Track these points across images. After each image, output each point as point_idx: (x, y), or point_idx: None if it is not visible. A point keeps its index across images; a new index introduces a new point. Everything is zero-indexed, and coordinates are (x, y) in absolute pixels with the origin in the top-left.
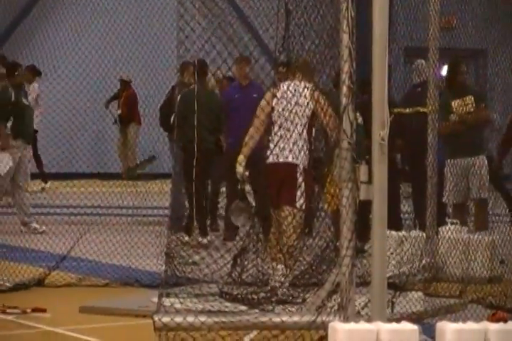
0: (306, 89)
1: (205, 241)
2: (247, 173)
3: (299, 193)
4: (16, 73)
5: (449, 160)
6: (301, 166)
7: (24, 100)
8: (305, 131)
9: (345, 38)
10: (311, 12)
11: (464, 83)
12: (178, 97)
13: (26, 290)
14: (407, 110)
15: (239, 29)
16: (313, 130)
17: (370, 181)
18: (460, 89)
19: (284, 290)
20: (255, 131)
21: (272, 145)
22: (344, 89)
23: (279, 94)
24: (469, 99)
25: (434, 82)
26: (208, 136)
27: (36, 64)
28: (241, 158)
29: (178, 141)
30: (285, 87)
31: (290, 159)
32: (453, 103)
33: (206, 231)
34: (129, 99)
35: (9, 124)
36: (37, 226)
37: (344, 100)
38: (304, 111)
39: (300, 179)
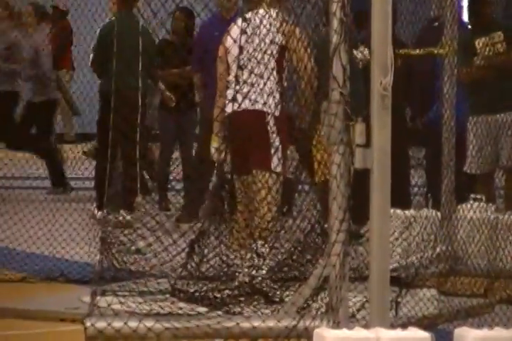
0: (270, 19)
1: (128, 217)
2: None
3: (272, 150)
4: None
5: (471, 117)
6: (271, 114)
7: None
8: (273, 73)
9: None
10: None
11: (491, 16)
12: (97, 31)
13: None
14: (418, 51)
15: None
16: (285, 71)
17: (368, 144)
18: (486, 23)
19: (256, 286)
20: (223, 97)
21: (229, 92)
22: (335, 23)
23: (249, 30)
24: (498, 36)
25: (453, 14)
26: (135, 83)
27: None
28: (214, 138)
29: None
30: (257, 20)
31: (256, 106)
32: (477, 42)
33: (131, 207)
34: (62, 36)
35: None
36: None
37: (335, 38)
38: (269, 46)
39: (272, 131)
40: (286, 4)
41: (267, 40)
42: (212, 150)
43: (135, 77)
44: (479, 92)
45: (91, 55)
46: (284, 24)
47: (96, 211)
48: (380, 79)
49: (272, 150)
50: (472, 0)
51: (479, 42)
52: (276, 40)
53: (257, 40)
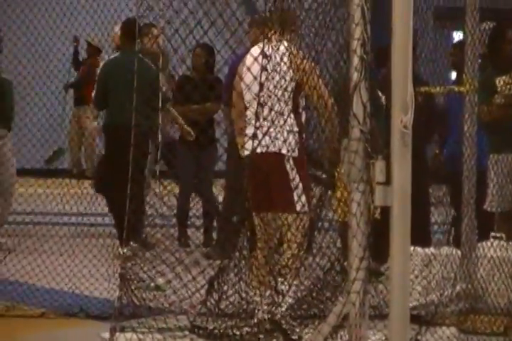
0: (284, 52)
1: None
2: None
3: (295, 192)
4: None
5: (493, 156)
6: (290, 156)
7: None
8: (288, 110)
9: None
10: None
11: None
12: (100, 67)
13: None
14: (438, 89)
15: None
16: (300, 109)
17: (388, 182)
18: (506, 62)
19: (276, 323)
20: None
21: (260, 135)
22: (355, 60)
23: (248, 62)
24: None
25: (472, 53)
26: (140, 119)
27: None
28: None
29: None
30: (255, 52)
31: (272, 148)
32: (498, 80)
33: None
34: (90, 72)
35: None
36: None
37: (355, 75)
38: (284, 82)
39: (292, 173)
40: (306, 40)
41: (286, 78)
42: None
43: (138, 113)
44: (500, 131)
45: (93, 91)
46: (303, 61)
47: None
48: (400, 117)
49: (295, 192)
50: (493, 38)
51: (500, 81)
52: (291, 75)
53: (276, 78)
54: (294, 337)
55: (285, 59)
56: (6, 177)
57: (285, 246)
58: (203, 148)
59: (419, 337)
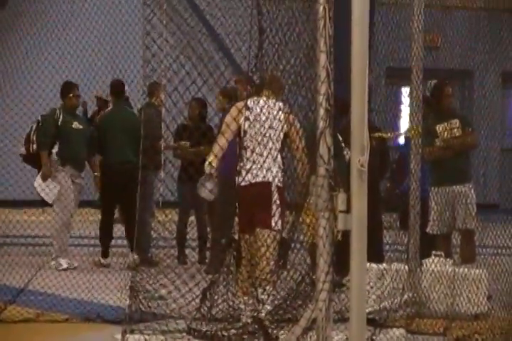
0: (280, 112)
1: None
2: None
3: (274, 212)
4: (71, 94)
5: (433, 188)
6: (275, 184)
7: (75, 123)
8: (279, 155)
9: (323, 57)
10: (287, 30)
11: (450, 106)
12: (97, 121)
13: None
14: (389, 134)
15: (209, 48)
16: (284, 152)
17: (348, 210)
18: (445, 112)
19: (256, 326)
20: (220, 150)
21: (243, 172)
22: (321, 111)
23: (251, 117)
24: (455, 123)
25: (417, 104)
26: (132, 157)
27: None
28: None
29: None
30: (258, 109)
31: (261, 178)
32: (438, 127)
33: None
34: None
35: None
36: (62, 262)
37: (321, 123)
38: (278, 134)
39: (275, 197)
40: (283, 97)
41: (276, 128)
42: (206, 165)
43: (131, 154)
44: (439, 168)
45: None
46: (287, 115)
47: (102, 259)
48: (358, 157)
49: (273, 212)
50: (434, 92)
51: (439, 127)
52: (281, 127)
53: (267, 127)
54: (272, 337)
55: (279, 114)
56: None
57: (264, 262)
58: (197, 183)
59: (374, 337)
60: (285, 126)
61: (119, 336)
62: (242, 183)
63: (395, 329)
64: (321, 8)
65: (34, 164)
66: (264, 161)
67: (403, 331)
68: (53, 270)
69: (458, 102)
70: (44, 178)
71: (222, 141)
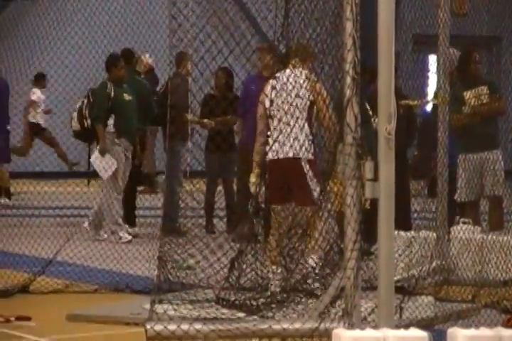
0: (306, 80)
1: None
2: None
3: (312, 188)
4: (118, 66)
5: (461, 155)
6: (305, 158)
7: (125, 95)
8: (306, 124)
9: (349, 25)
10: None
11: (477, 73)
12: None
13: (10, 297)
14: (416, 102)
15: (235, 17)
16: (313, 121)
17: (376, 178)
18: (473, 79)
19: (285, 295)
20: (262, 136)
21: (271, 141)
22: (348, 80)
23: (278, 86)
24: (482, 89)
25: (444, 71)
26: (141, 124)
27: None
28: (254, 175)
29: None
30: (284, 78)
31: (291, 154)
32: (465, 94)
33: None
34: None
35: (111, 122)
36: (124, 234)
37: (348, 92)
38: (305, 103)
39: (308, 172)
40: (310, 65)
41: (303, 97)
42: (251, 185)
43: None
44: (467, 135)
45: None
46: (314, 83)
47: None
48: (385, 126)
49: (309, 189)
50: (462, 59)
51: (467, 94)
52: (307, 96)
53: (293, 96)
54: (300, 306)
55: (305, 83)
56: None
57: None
58: (224, 152)
59: (402, 305)
60: (312, 94)
61: (147, 306)
62: (270, 155)
63: (423, 296)
64: None
65: (87, 139)
66: (291, 130)
67: (432, 298)
68: (81, 241)
69: (485, 69)
70: (102, 153)
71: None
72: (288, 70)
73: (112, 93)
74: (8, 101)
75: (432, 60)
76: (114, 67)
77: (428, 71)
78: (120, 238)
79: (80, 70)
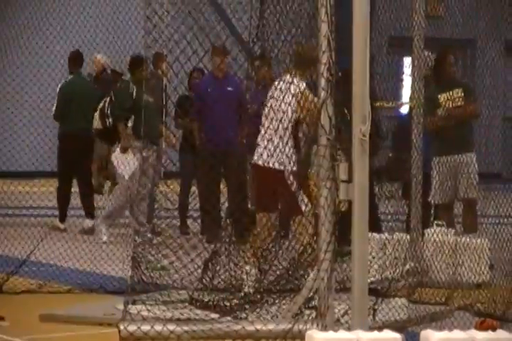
0: (292, 86)
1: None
2: None
3: (299, 199)
4: (141, 68)
5: (435, 158)
6: (289, 171)
7: (147, 97)
8: (288, 132)
9: (324, 27)
10: None
11: (452, 75)
12: (58, 89)
13: None
14: (390, 104)
15: (210, 18)
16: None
17: (350, 180)
18: (448, 81)
19: (259, 296)
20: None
21: (257, 148)
22: (322, 81)
23: (269, 93)
24: (457, 92)
25: (419, 74)
26: (86, 125)
27: None
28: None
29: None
30: (275, 85)
31: (277, 165)
32: (440, 96)
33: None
34: None
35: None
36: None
37: (323, 93)
38: (291, 117)
39: (293, 185)
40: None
41: (288, 110)
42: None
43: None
44: (441, 137)
45: (54, 107)
46: (300, 90)
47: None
48: (359, 127)
49: (299, 199)
50: (437, 61)
51: (442, 97)
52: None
53: (281, 108)
54: (273, 307)
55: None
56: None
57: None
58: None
59: (376, 307)
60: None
61: (121, 306)
62: (259, 161)
63: (397, 298)
64: None
65: (108, 138)
66: (279, 137)
67: (405, 300)
68: (55, 241)
69: (460, 71)
70: (124, 151)
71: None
72: (287, 78)
73: (134, 94)
74: None
75: (407, 62)
76: (136, 69)
77: (403, 73)
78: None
79: (55, 71)
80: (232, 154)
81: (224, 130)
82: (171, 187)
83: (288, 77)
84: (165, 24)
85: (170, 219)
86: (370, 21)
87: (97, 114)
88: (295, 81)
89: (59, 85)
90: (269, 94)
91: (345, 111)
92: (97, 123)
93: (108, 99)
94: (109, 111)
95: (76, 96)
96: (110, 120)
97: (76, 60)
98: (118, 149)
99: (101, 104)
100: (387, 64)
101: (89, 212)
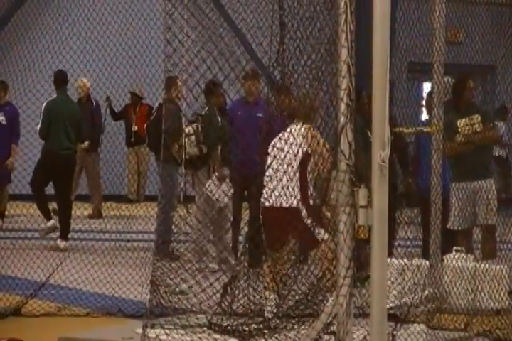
0: (301, 129)
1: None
2: None
3: (316, 232)
4: (218, 93)
5: (454, 184)
6: (303, 207)
7: (223, 121)
8: (297, 174)
9: (344, 52)
10: (308, 25)
11: (471, 101)
12: (43, 107)
13: (2, 319)
14: (410, 130)
15: (230, 42)
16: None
17: (369, 205)
18: (466, 107)
19: (278, 321)
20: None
21: (266, 190)
22: (342, 106)
23: (282, 139)
24: (476, 118)
25: (438, 100)
26: (69, 144)
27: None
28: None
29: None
30: (288, 132)
31: (285, 204)
32: (459, 122)
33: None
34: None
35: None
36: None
37: (342, 119)
38: (298, 151)
39: (307, 220)
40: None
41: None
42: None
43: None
44: (460, 163)
45: (39, 125)
46: (310, 133)
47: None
48: (379, 152)
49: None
50: (456, 87)
51: (460, 123)
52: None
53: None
54: (292, 332)
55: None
56: None
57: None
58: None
59: (394, 332)
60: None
61: (139, 330)
62: (266, 204)
63: (415, 324)
64: (343, 2)
65: (197, 166)
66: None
67: (424, 326)
68: (74, 264)
69: (480, 97)
70: (223, 179)
71: None
72: (296, 126)
73: (220, 121)
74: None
75: (427, 87)
76: (213, 94)
77: (422, 99)
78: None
79: (75, 94)
80: (257, 179)
81: (250, 155)
82: (190, 211)
83: (295, 126)
84: (185, 48)
85: (189, 242)
86: (391, 47)
87: (188, 141)
88: (300, 132)
89: (44, 104)
90: (275, 142)
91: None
92: (191, 150)
93: (199, 126)
94: (201, 138)
95: (61, 115)
96: (204, 147)
97: (61, 79)
98: (214, 177)
99: (191, 130)
100: (407, 89)
101: (65, 233)
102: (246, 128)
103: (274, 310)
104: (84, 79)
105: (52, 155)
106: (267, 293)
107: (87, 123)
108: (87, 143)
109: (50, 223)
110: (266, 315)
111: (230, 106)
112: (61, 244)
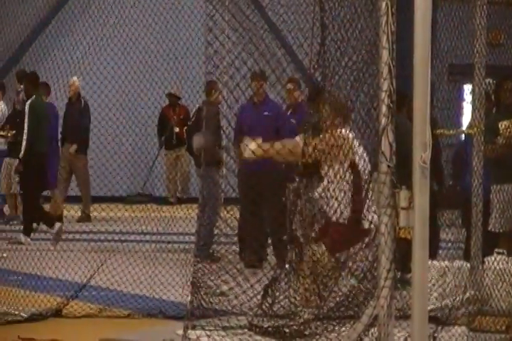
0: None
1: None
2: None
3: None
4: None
5: (495, 186)
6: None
7: None
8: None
9: (385, 53)
10: (349, 26)
11: None
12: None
13: (43, 321)
14: (451, 131)
15: (271, 44)
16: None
17: (410, 207)
18: (508, 109)
19: (318, 323)
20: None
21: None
22: (383, 108)
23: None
24: None
25: (480, 101)
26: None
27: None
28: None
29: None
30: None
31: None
32: (500, 124)
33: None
34: (185, 117)
35: None
36: None
37: (383, 120)
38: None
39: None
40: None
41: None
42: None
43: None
44: (501, 165)
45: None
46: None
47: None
48: (420, 154)
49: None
50: (497, 89)
51: (502, 124)
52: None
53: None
54: (333, 334)
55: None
56: None
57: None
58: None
59: (435, 335)
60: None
61: (180, 332)
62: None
63: (456, 326)
64: (384, 4)
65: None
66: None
67: (465, 329)
68: (115, 266)
69: None
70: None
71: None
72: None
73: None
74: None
75: (468, 89)
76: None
77: (463, 101)
78: None
79: (116, 96)
80: (269, 178)
81: None
82: (231, 212)
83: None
84: (226, 50)
85: (230, 244)
86: (432, 48)
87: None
88: (343, 132)
89: (27, 107)
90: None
91: None
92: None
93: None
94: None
95: (42, 117)
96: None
97: (35, 82)
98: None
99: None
100: (448, 91)
101: (27, 229)
102: (252, 128)
103: (315, 312)
104: (75, 78)
105: (39, 156)
106: (307, 294)
107: (73, 123)
108: (74, 146)
109: (57, 226)
110: (307, 316)
111: (240, 106)
112: (23, 238)
